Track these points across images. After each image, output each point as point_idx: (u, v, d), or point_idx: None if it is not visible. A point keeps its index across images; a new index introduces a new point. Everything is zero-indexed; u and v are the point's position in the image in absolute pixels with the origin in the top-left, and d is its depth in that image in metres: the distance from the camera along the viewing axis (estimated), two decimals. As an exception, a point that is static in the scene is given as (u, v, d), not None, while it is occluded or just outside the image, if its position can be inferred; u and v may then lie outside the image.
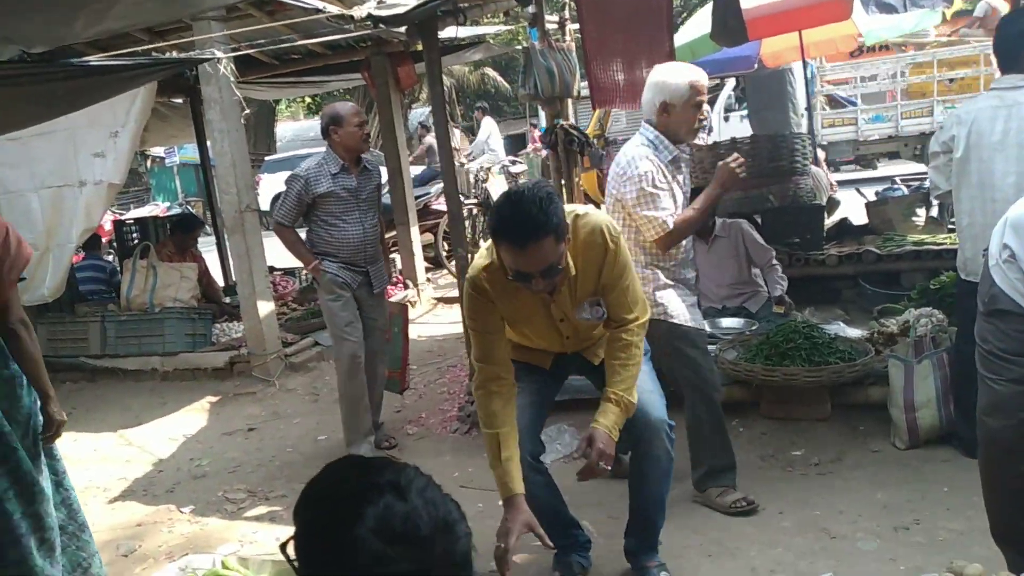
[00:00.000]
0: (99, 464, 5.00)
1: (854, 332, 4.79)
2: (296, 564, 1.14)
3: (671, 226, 3.24)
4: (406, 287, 8.41)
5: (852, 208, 7.27)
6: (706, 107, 3.36)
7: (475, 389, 2.70)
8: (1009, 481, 2.32)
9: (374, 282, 4.61)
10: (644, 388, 2.75)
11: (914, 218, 6.04)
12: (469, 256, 5.10)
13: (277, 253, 8.60)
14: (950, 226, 6.14)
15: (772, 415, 4.20)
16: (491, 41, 8.40)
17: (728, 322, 5.03)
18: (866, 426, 4.08)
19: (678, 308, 3.35)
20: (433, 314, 8.29)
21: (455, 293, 8.68)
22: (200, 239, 8.31)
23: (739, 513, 3.39)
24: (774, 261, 5.11)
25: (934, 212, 6.21)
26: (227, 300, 7.59)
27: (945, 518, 3.18)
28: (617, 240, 2.59)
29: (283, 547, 1.19)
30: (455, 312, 8.17)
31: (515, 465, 2.56)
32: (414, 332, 7.46)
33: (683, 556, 3.11)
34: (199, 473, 4.69)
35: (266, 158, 20.50)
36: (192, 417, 5.69)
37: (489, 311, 2.62)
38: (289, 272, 9.33)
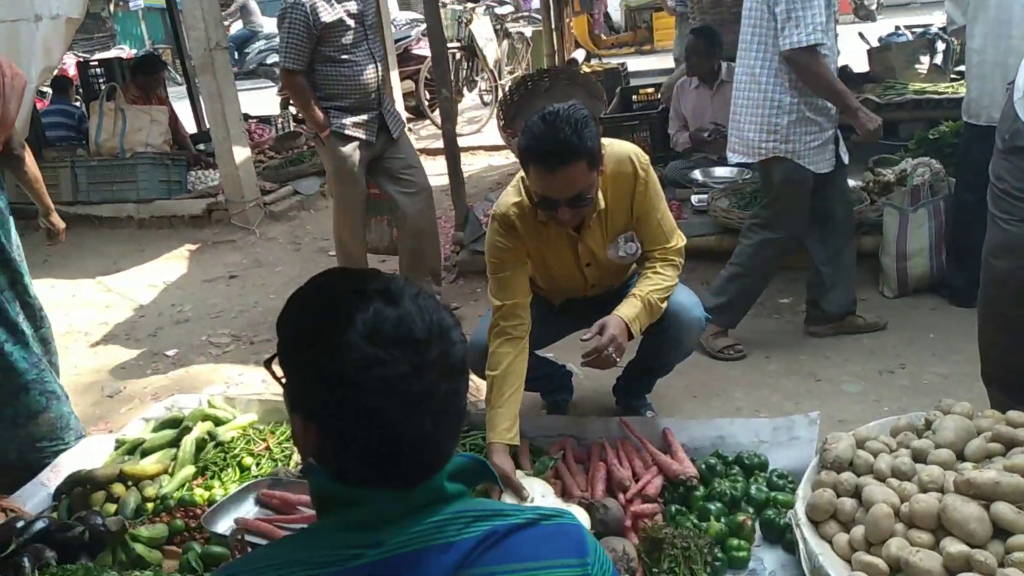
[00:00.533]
0: (79, 309, 4.93)
1: (849, 182, 4.69)
2: (282, 380, 1.06)
3: (823, 39, 2.95)
4: (387, 136, 8.14)
5: (853, 55, 6.96)
6: None
7: (490, 329, 2.48)
8: (1011, 322, 2.29)
9: (391, 126, 4.02)
10: (681, 292, 2.58)
11: (917, 65, 5.80)
12: (453, 101, 4.88)
13: (250, 101, 8.23)
14: (953, 75, 5.93)
15: (762, 263, 4.14)
16: None
17: (721, 171, 4.90)
18: (856, 275, 4.04)
19: (806, 150, 3.16)
20: (416, 165, 8.07)
21: (439, 144, 8.43)
22: (171, 89, 7.92)
23: (727, 359, 3.39)
24: None
25: (938, 59, 5.96)
26: (200, 147, 7.32)
27: (930, 363, 3.19)
28: (647, 168, 2.41)
29: (267, 363, 1.11)
30: (439, 164, 7.95)
31: (503, 419, 2.39)
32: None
33: (668, 396, 3.12)
34: (181, 318, 4.63)
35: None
36: (171, 264, 5.58)
37: (516, 248, 2.45)
38: (264, 120, 8.98)
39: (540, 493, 2.28)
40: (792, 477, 2.36)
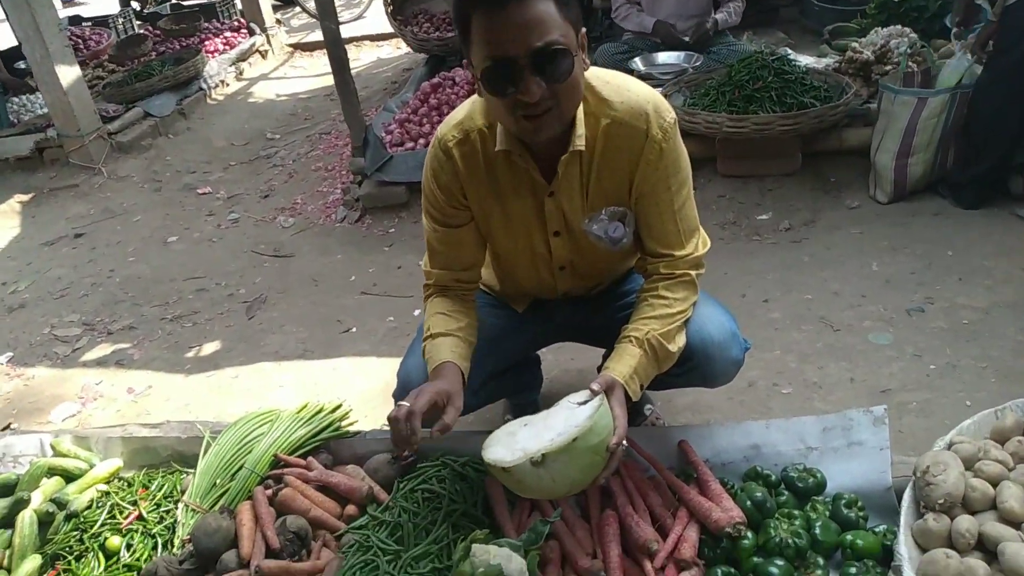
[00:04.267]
0: None
1: (810, 60, 4.01)
2: None
3: None
4: (251, 33, 6.91)
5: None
6: None
7: (424, 299, 1.83)
8: None
9: None
10: (706, 316, 1.76)
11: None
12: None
13: None
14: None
15: (731, 173, 3.47)
16: None
17: (665, 57, 4.11)
18: (839, 176, 3.44)
19: None
20: (291, 65, 6.93)
21: (314, 37, 7.26)
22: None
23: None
24: None
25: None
26: (21, 65, 5.97)
27: (961, 292, 2.63)
28: (669, 132, 1.58)
29: None
30: (318, 62, 6.85)
31: (442, 342, 1.71)
32: (269, 90, 6.20)
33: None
34: (15, 303, 3.63)
35: None
36: (-2, 224, 4.49)
37: (454, 191, 1.68)
38: (101, 22, 7.53)
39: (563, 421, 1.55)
40: (862, 503, 1.77)
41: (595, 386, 1.56)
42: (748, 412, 2.25)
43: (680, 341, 1.70)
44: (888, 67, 3.48)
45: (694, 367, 1.78)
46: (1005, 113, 2.87)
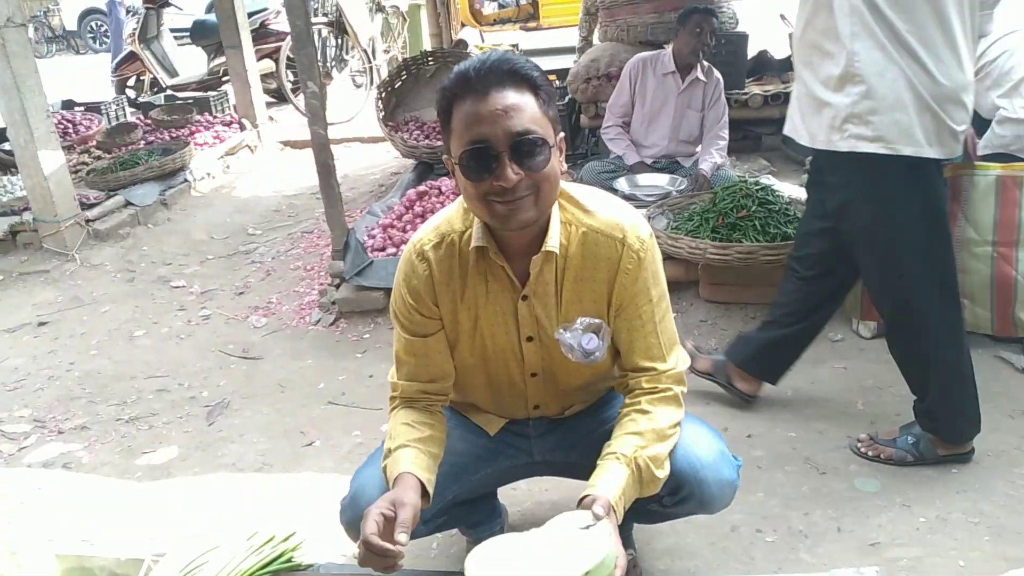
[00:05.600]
0: None
1: (792, 189, 4.07)
2: None
3: None
4: (242, 128, 6.97)
5: (770, 38, 6.41)
6: None
7: (390, 411, 1.74)
8: None
9: None
10: (695, 437, 1.68)
11: (846, 52, 5.25)
12: (322, 90, 3.91)
13: (79, 84, 7.01)
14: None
15: (714, 298, 3.44)
16: None
17: (647, 179, 4.15)
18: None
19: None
20: (279, 162, 6.96)
21: (306, 135, 7.33)
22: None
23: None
24: (724, 133, 4.20)
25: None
26: (5, 148, 5.94)
27: (948, 438, 2.56)
28: (646, 244, 1.59)
29: None
30: (308, 159, 6.88)
31: (400, 455, 1.59)
32: (255, 186, 6.20)
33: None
34: (-35, 394, 3.47)
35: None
36: (-41, 308, 4.34)
37: (427, 298, 1.64)
38: (93, 107, 7.59)
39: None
40: (854, 675, 1.63)
41: (599, 510, 1.44)
42: (730, 560, 2.12)
43: (667, 468, 1.60)
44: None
45: (689, 494, 1.67)
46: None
